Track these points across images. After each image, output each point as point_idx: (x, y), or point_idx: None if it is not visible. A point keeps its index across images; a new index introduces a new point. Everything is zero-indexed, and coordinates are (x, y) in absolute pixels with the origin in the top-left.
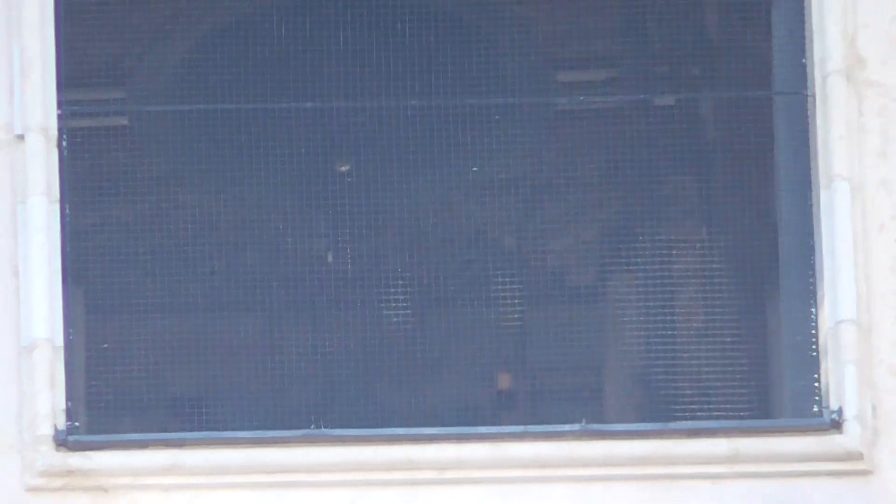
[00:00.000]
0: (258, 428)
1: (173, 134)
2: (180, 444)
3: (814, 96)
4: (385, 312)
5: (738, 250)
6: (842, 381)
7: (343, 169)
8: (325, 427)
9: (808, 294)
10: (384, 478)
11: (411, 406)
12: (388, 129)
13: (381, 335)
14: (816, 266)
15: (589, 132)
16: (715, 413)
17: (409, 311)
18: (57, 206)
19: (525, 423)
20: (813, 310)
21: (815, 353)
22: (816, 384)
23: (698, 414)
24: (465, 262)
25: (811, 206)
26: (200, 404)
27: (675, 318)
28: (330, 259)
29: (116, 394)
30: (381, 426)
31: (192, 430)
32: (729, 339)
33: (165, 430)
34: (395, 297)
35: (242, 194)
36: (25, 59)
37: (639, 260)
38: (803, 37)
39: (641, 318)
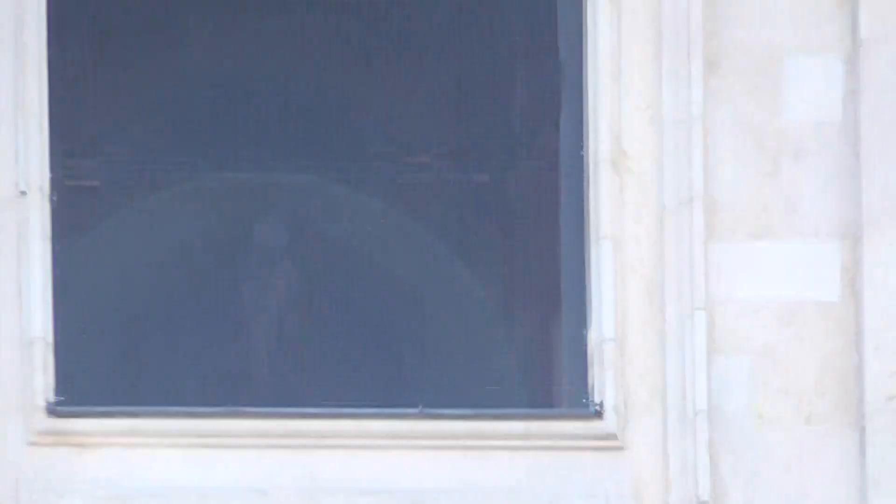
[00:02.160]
0: (194, 404)
1: None
2: (137, 414)
3: None
4: None
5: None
6: (603, 382)
7: None
8: (244, 405)
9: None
10: (281, 442)
11: (303, 389)
12: None
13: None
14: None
15: None
16: (515, 402)
17: None
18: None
19: (381, 406)
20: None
21: (586, 362)
22: (586, 384)
23: (503, 402)
24: None
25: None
26: (153, 385)
27: None
28: None
29: (92, 377)
30: (284, 405)
31: (146, 404)
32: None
33: (127, 404)
34: None
35: None
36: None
37: None
38: None
39: None
